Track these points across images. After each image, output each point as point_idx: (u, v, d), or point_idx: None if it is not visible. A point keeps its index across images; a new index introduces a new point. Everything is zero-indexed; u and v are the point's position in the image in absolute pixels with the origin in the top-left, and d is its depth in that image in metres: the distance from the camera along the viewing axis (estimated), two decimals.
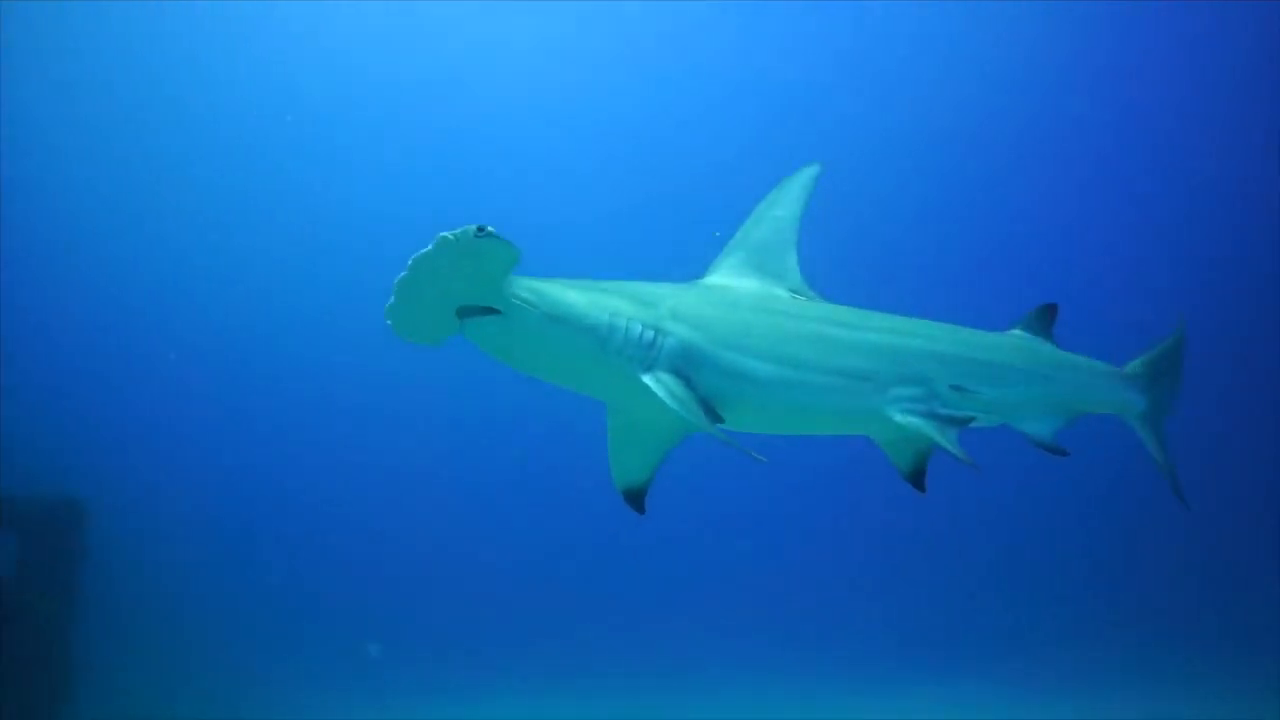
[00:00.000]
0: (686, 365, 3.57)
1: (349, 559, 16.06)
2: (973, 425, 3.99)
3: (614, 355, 3.51)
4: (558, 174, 17.94)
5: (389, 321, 3.45)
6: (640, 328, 3.53)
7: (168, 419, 16.77)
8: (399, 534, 16.55)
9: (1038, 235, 17.81)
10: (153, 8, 16.24)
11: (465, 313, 3.41)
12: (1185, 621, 14.29)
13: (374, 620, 14.95)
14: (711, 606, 15.49)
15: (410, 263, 3.29)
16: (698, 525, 15.92)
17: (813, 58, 17.40)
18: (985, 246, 17.70)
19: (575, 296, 3.52)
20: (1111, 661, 13.03)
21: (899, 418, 3.87)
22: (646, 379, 3.48)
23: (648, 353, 3.52)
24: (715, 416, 3.52)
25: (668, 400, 3.43)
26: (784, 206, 4.23)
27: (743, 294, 4.03)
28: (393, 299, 3.38)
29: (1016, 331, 4.56)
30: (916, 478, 4.20)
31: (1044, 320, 4.57)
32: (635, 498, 3.97)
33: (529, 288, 3.44)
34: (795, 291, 4.14)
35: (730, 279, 4.11)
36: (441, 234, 3.22)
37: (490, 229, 3.20)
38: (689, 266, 4.28)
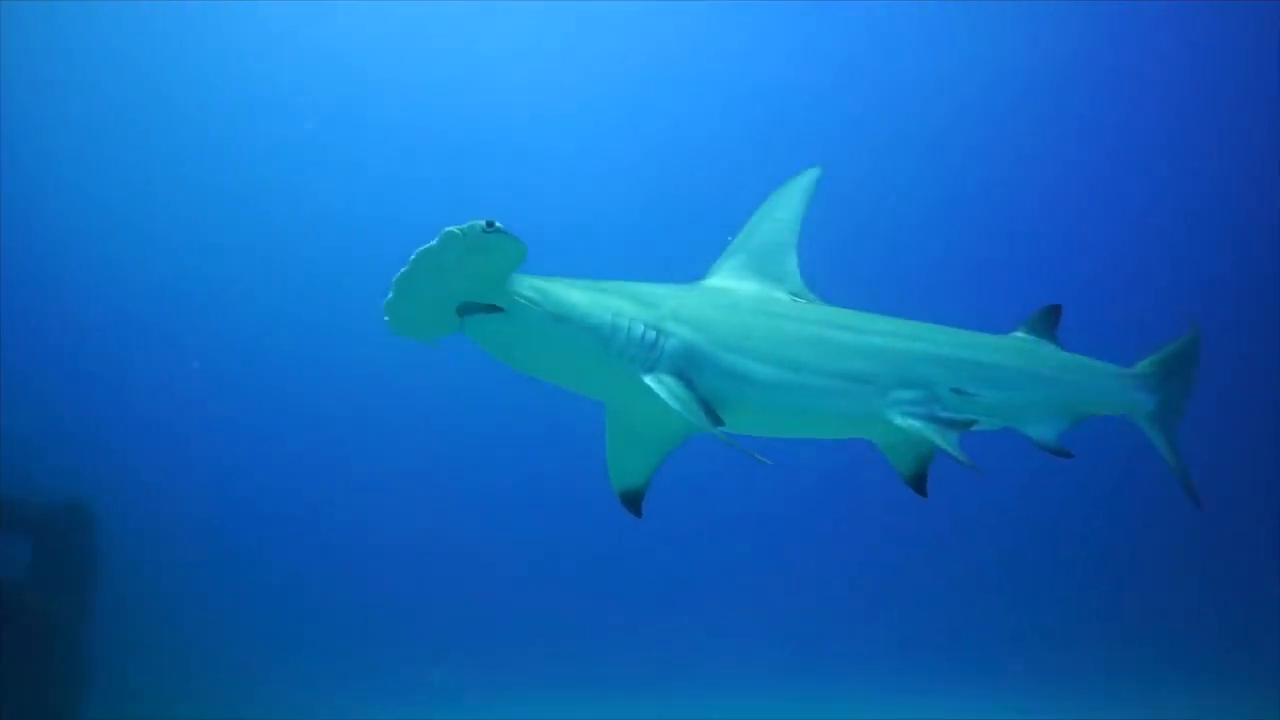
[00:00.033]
0: (688, 367, 3.51)
1: (351, 562, 16.05)
2: (975, 429, 3.91)
3: (616, 356, 3.44)
4: (556, 174, 17.91)
5: (386, 318, 3.36)
6: (642, 328, 3.47)
7: (174, 425, 16.79)
8: (402, 537, 16.57)
9: (1040, 238, 17.72)
10: (153, 8, 16.24)
11: (466, 310, 3.33)
12: (1186, 623, 14.22)
13: (376, 622, 14.93)
14: (713, 610, 15.44)
15: (413, 257, 3.19)
16: (699, 528, 15.88)
17: (814, 60, 17.37)
18: (988, 249, 17.62)
19: (579, 296, 3.45)
20: (1113, 663, 13.00)
21: (899, 421, 3.80)
22: (648, 380, 3.42)
23: (650, 353, 3.46)
24: (716, 419, 3.45)
25: (670, 401, 3.37)
26: (785, 210, 4.18)
27: (743, 296, 3.97)
28: (391, 294, 3.30)
29: (1019, 334, 4.48)
30: (918, 482, 4.14)
31: (1047, 322, 4.48)
32: (633, 501, 3.91)
33: (532, 286, 3.37)
34: (796, 294, 4.08)
35: (731, 281, 4.05)
36: (448, 228, 3.13)
37: (498, 225, 3.12)
38: (688, 268, 4.22)
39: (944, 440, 3.76)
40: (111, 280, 17.39)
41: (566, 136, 18.20)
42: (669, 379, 3.43)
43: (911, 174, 17.63)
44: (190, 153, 17.35)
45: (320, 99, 17.52)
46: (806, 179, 4.22)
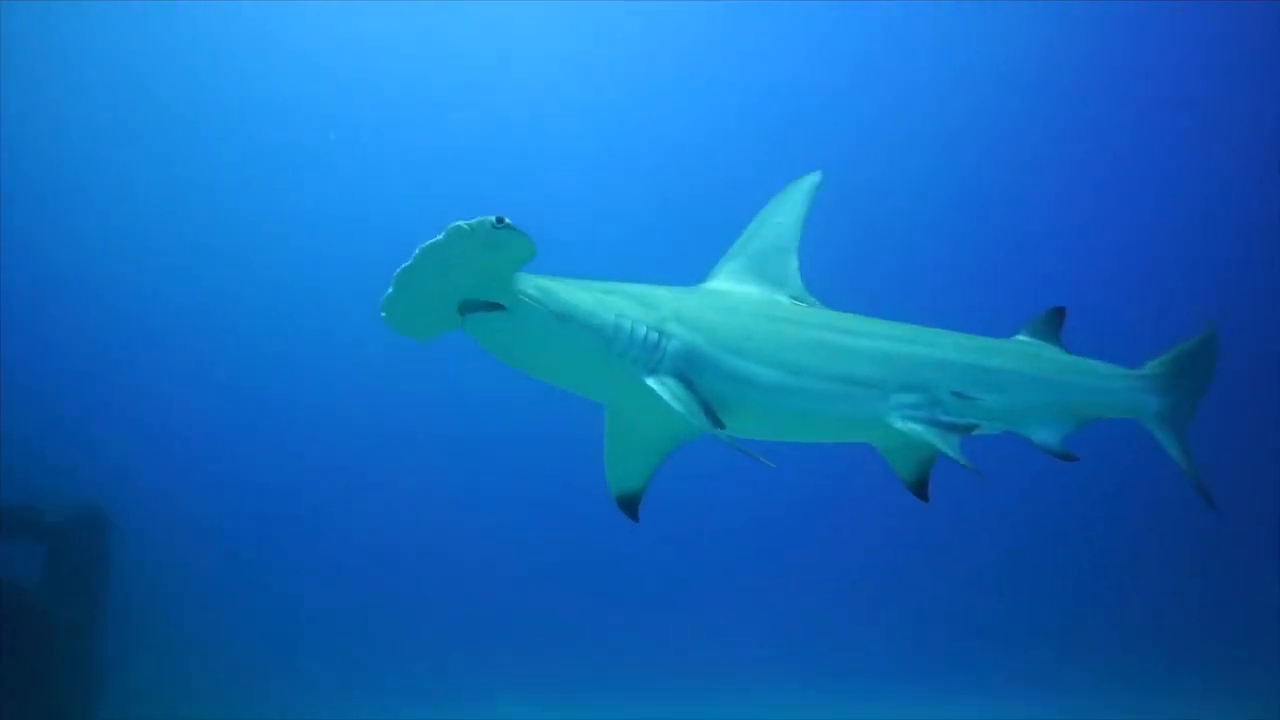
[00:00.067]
0: (689, 369, 3.45)
1: (355, 566, 16.04)
2: (976, 433, 3.84)
3: (618, 357, 3.38)
4: (556, 173, 17.83)
5: (383, 314, 3.28)
6: (645, 330, 3.42)
7: (181, 430, 16.77)
8: (405, 541, 16.55)
9: (1043, 240, 17.59)
10: (156, 9, 16.28)
11: (468, 308, 3.25)
12: (1187, 624, 14.13)
13: (377, 624, 14.90)
14: (713, 612, 15.39)
15: (417, 252, 3.10)
16: (700, 530, 15.83)
17: (815, 63, 17.29)
18: (990, 252, 17.50)
19: (582, 296, 3.39)
20: (1114, 664, 12.94)
21: (900, 425, 3.73)
22: (651, 382, 3.36)
23: (652, 355, 3.41)
24: (717, 421, 3.39)
25: (672, 403, 3.31)
26: (785, 213, 4.13)
27: (744, 299, 3.92)
28: (391, 290, 3.21)
29: (1021, 337, 4.39)
30: (919, 487, 4.07)
31: (1051, 325, 4.38)
32: (629, 504, 3.86)
33: (536, 285, 3.30)
34: (796, 298, 4.02)
35: (731, 284, 4.00)
36: (456, 222, 3.04)
37: (509, 221, 3.04)
38: (688, 270, 4.17)
39: (945, 444, 3.70)
40: (125, 286, 17.39)
41: (565, 136, 18.14)
42: (671, 381, 3.37)
43: (912, 176, 17.53)
44: (205, 157, 17.35)
45: (320, 99, 17.49)
46: (807, 183, 4.16)
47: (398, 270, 3.16)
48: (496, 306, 3.23)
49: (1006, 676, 12.41)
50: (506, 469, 17.09)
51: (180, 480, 15.82)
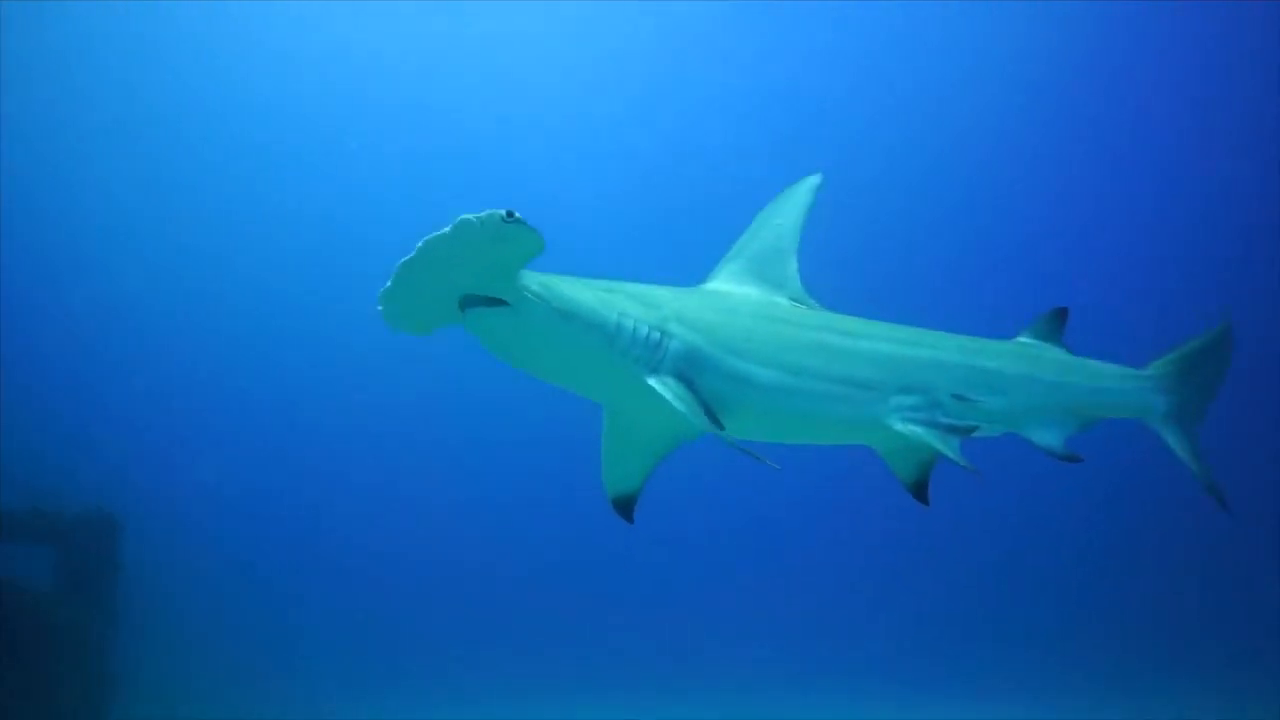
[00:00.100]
0: (689, 369, 3.39)
1: (359, 568, 16.02)
2: (977, 434, 3.76)
3: (620, 356, 3.32)
4: (555, 174, 17.78)
5: (380, 307, 3.20)
6: (647, 329, 3.35)
7: (184, 433, 16.77)
8: (408, 543, 16.51)
9: (1044, 241, 17.49)
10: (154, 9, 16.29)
11: (469, 303, 3.18)
12: (1187, 624, 14.04)
13: (378, 624, 14.86)
14: (714, 613, 15.33)
15: (420, 245, 3.02)
16: (700, 531, 15.78)
17: (816, 64, 17.23)
18: (991, 253, 17.41)
19: (585, 294, 3.32)
20: (1114, 665, 12.86)
21: (900, 427, 3.67)
22: (652, 381, 3.30)
23: (653, 354, 3.35)
24: (718, 421, 3.33)
25: (674, 403, 3.25)
26: (785, 215, 4.06)
27: (744, 300, 3.86)
28: (391, 283, 3.13)
29: (1023, 338, 4.30)
30: (919, 489, 3.98)
31: (1053, 325, 4.28)
32: (625, 506, 3.79)
33: (539, 282, 3.23)
34: (795, 299, 3.96)
35: (731, 285, 3.94)
36: (463, 216, 2.95)
37: (518, 215, 2.95)
38: (687, 271, 4.10)
39: (945, 446, 3.64)
40: (134, 290, 17.38)
41: (565, 136, 18.10)
42: (672, 380, 3.32)
43: (912, 176, 17.45)
44: (216, 158, 17.36)
45: (322, 100, 17.48)
46: (806, 185, 4.10)
47: (398, 263, 3.08)
48: (498, 302, 3.16)
49: (1006, 677, 12.35)
50: (507, 470, 17.03)
51: (180, 481, 15.79)
